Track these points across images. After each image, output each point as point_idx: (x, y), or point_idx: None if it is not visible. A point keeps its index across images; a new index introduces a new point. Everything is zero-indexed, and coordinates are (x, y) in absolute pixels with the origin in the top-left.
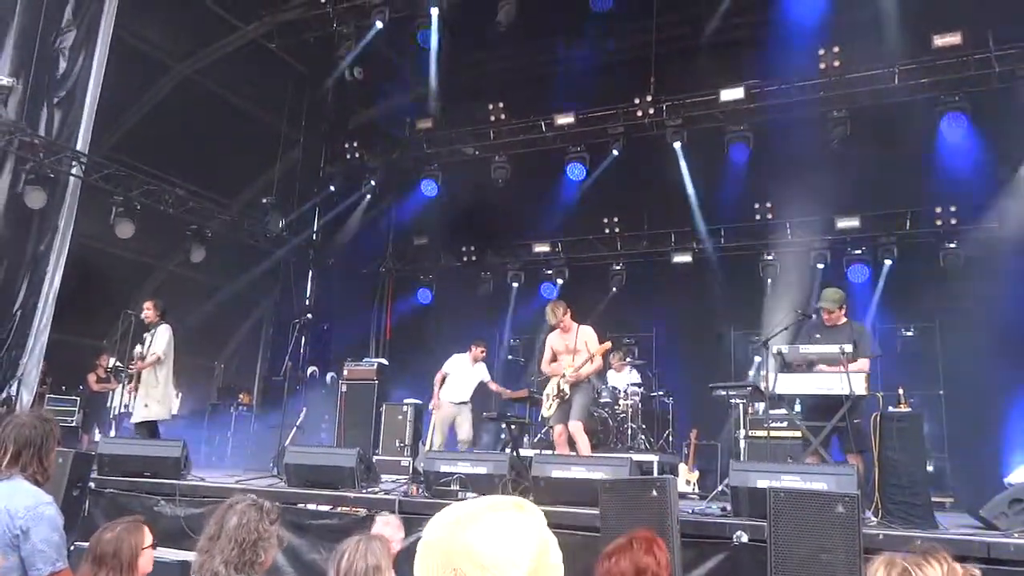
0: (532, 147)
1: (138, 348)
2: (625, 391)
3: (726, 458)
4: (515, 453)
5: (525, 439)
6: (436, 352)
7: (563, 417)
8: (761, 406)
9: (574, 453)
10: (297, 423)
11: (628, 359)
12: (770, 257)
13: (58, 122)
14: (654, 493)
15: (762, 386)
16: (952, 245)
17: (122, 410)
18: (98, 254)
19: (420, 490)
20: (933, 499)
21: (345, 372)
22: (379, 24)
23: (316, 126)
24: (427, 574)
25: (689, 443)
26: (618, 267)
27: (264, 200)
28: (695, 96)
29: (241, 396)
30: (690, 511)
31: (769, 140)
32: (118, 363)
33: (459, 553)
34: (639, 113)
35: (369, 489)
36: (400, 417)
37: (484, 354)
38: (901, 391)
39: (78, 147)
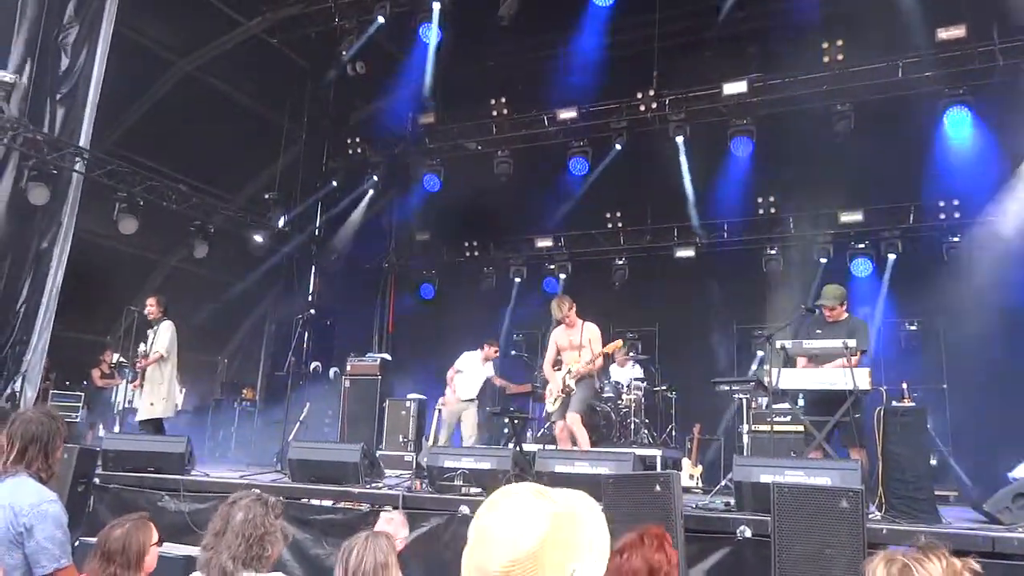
0: (534, 142)
1: (141, 346)
2: (628, 386)
3: (729, 453)
4: (518, 448)
5: (528, 434)
6: (439, 347)
7: (566, 412)
8: (764, 400)
9: (576, 448)
10: (300, 418)
11: (631, 354)
12: (773, 251)
13: (61, 118)
14: (658, 488)
15: (765, 381)
16: (956, 239)
17: (126, 406)
18: (101, 250)
19: (424, 485)
20: (936, 493)
21: (348, 367)
22: (381, 19)
23: (318, 121)
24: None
25: (692, 438)
26: (621, 262)
27: (267, 196)
28: (698, 90)
29: (244, 392)
30: (694, 506)
31: (772, 134)
32: (122, 359)
33: (478, 532)
34: (642, 107)
35: (373, 484)
36: (403, 412)
37: (497, 354)
38: (905, 386)
39: (81, 143)
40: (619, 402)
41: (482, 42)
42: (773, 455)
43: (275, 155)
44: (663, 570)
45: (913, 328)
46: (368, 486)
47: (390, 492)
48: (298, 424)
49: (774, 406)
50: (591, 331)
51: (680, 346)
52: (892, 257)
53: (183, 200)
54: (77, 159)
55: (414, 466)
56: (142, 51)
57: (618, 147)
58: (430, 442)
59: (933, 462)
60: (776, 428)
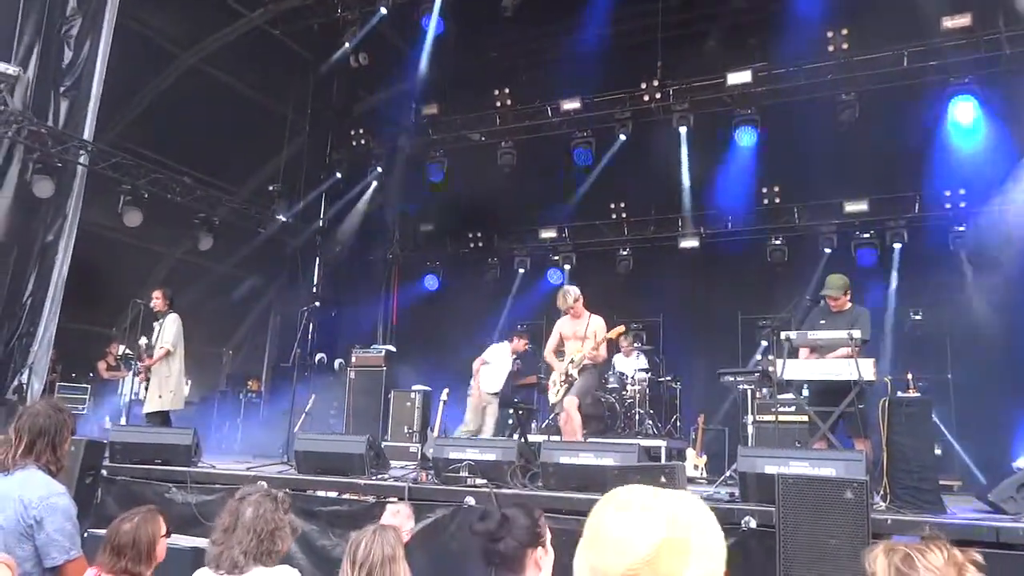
0: (538, 133)
1: (143, 340)
2: (633, 377)
3: (734, 443)
4: (523, 439)
5: (532, 425)
6: (443, 338)
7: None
8: (768, 391)
9: (580, 439)
10: (306, 410)
11: (636, 344)
12: (777, 242)
13: (65, 111)
14: (663, 479)
15: (769, 371)
16: (961, 228)
17: (132, 398)
18: (106, 243)
19: (429, 477)
20: (941, 482)
21: (353, 359)
22: (383, 10)
23: (322, 113)
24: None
25: (697, 428)
26: (625, 252)
27: (271, 188)
28: (702, 80)
29: (250, 383)
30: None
31: (777, 124)
32: (128, 351)
33: (593, 532)
34: (646, 98)
35: (379, 476)
36: (408, 404)
37: (527, 347)
38: (910, 376)
39: (85, 136)
40: (624, 393)
41: (485, 33)
42: (778, 445)
43: (279, 147)
44: None
45: (918, 318)
46: (374, 477)
47: (396, 484)
48: (303, 415)
49: (779, 396)
50: (596, 324)
51: (684, 336)
52: (897, 247)
53: (187, 192)
54: (81, 152)
55: (419, 457)
56: (145, 43)
57: (622, 137)
58: (435, 433)
59: (938, 452)
60: (780, 418)
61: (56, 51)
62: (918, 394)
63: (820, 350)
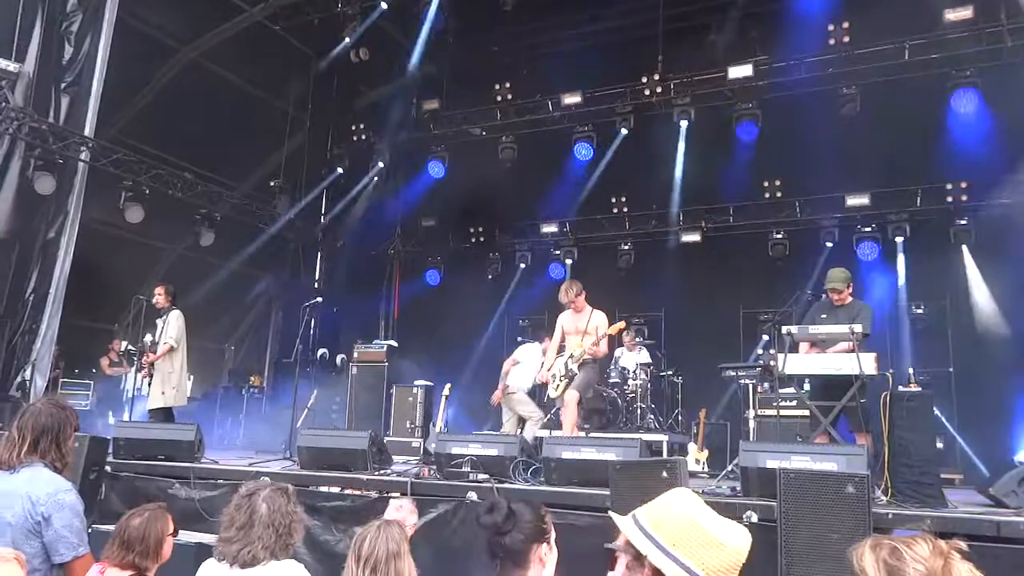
0: (539, 127)
1: (148, 337)
2: (634, 371)
3: (735, 438)
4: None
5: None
6: (445, 333)
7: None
8: (769, 385)
9: (582, 434)
10: (308, 405)
11: (639, 339)
12: (779, 235)
13: (66, 108)
14: (664, 474)
15: (771, 365)
16: (963, 222)
17: (135, 393)
18: (108, 239)
19: (432, 472)
20: (942, 475)
21: (355, 354)
22: (384, 4)
23: (322, 108)
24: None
25: (698, 422)
26: (626, 247)
27: (272, 183)
28: (703, 74)
29: (252, 378)
30: (700, 491)
31: (778, 117)
32: (130, 347)
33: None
34: (647, 92)
35: (382, 471)
36: (410, 399)
37: None
38: (911, 370)
39: (86, 132)
40: (625, 387)
41: (485, 28)
42: (779, 440)
43: (280, 142)
44: None
45: (920, 312)
46: (377, 473)
47: (399, 479)
48: (306, 411)
49: (780, 391)
50: (598, 319)
51: (686, 331)
52: (899, 240)
53: (188, 188)
54: (82, 148)
55: (421, 452)
56: (145, 39)
57: (623, 132)
58: (437, 428)
59: (939, 445)
60: (782, 413)
61: (57, 47)
62: (919, 388)
63: (821, 344)
